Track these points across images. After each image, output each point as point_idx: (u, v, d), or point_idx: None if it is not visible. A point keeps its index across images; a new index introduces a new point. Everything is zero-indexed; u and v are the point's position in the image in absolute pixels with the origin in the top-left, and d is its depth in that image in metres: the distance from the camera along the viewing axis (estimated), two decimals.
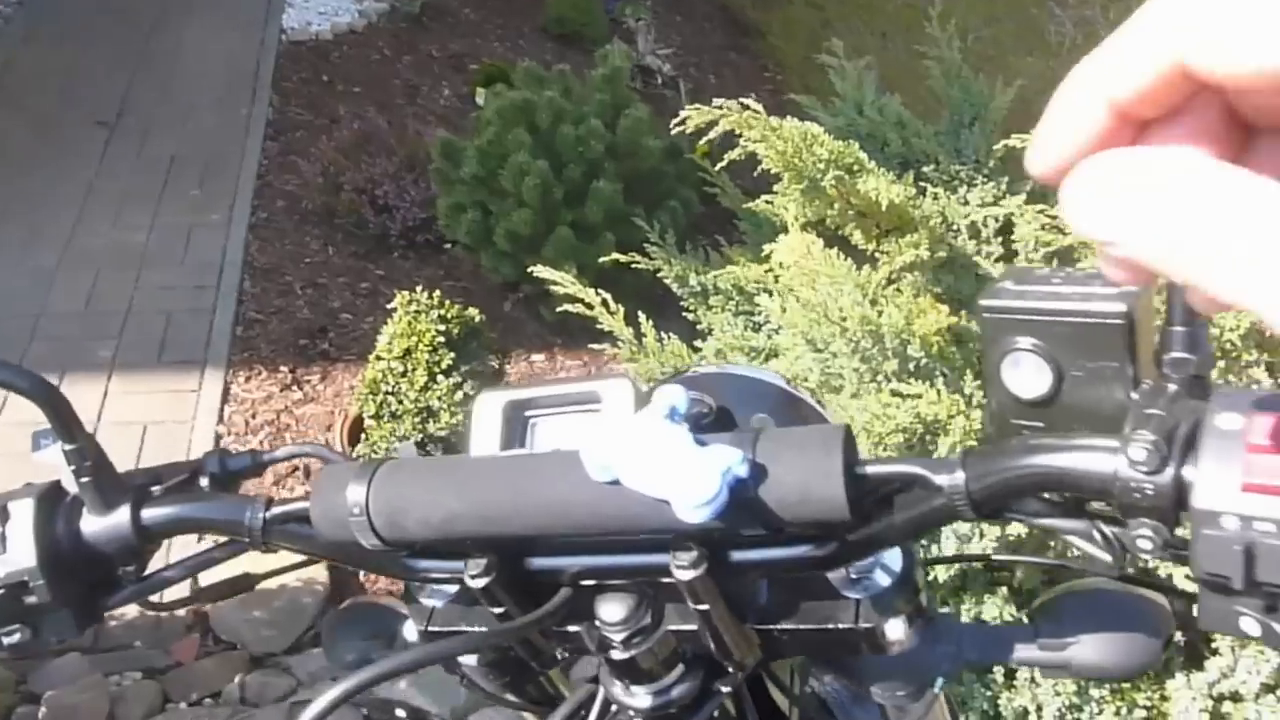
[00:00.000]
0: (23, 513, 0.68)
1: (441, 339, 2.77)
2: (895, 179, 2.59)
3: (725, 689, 0.67)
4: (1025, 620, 0.70)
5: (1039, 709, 2.09)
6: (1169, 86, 0.28)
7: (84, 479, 0.68)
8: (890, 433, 1.99)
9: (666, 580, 0.59)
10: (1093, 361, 0.50)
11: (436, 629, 0.69)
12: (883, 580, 0.63)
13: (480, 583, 0.60)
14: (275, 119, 4.53)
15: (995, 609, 2.08)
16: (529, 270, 2.85)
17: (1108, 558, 0.50)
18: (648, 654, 0.64)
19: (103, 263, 3.78)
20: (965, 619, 1.88)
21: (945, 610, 1.84)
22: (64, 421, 0.67)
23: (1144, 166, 0.28)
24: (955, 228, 2.73)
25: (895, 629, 0.62)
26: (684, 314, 2.86)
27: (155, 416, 3.20)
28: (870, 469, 0.55)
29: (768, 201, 2.74)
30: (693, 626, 0.62)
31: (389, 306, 2.88)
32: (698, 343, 2.82)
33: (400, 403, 2.81)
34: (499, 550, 0.61)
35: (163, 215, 4.01)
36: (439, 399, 2.79)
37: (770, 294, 2.68)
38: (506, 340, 3.34)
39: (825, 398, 2.64)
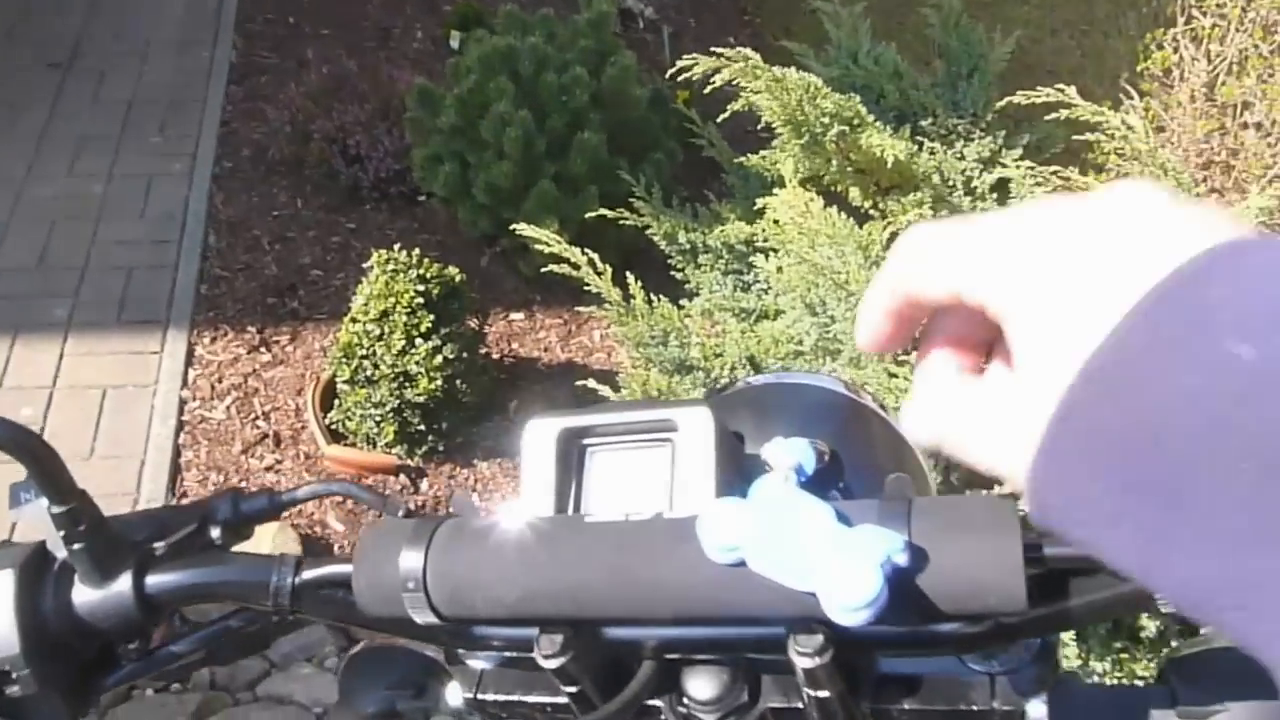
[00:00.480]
0: (1, 587, 0.57)
1: (420, 300, 2.63)
2: (893, 133, 2.48)
3: None
4: (1156, 678, 0.61)
5: None
6: (913, 304, 0.40)
7: (76, 545, 0.57)
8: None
9: (767, 655, 0.54)
10: None
11: (486, 696, 0.61)
12: (1021, 653, 0.55)
13: (554, 664, 0.52)
14: (239, 62, 4.32)
15: None
16: (508, 225, 2.72)
17: None
18: None
19: (57, 215, 3.59)
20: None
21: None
22: (52, 480, 0.57)
23: (928, 399, 0.41)
24: (951, 183, 2.62)
25: (1038, 710, 0.54)
26: (668, 271, 2.75)
27: (115, 380, 3.04)
28: (1050, 550, 0.47)
29: (763, 156, 2.62)
30: (796, 705, 0.55)
31: (365, 266, 2.74)
32: (683, 302, 2.72)
33: (376, 368, 2.68)
34: (576, 624, 0.53)
35: (121, 164, 3.81)
36: (417, 363, 2.66)
37: (766, 254, 2.57)
38: (484, 298, 3.21)
39: (822, 363, 2.55)
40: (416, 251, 2.69)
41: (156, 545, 0.61)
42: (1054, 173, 2.23)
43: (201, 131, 3.94)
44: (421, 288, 2.64)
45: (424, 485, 2.87)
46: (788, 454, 0.53)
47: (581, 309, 3.17)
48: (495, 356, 3.17)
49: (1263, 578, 0.29)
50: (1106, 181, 2.58)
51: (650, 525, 0.52)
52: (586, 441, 0.60)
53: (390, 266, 2.63)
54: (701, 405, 0.58)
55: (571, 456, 0.60)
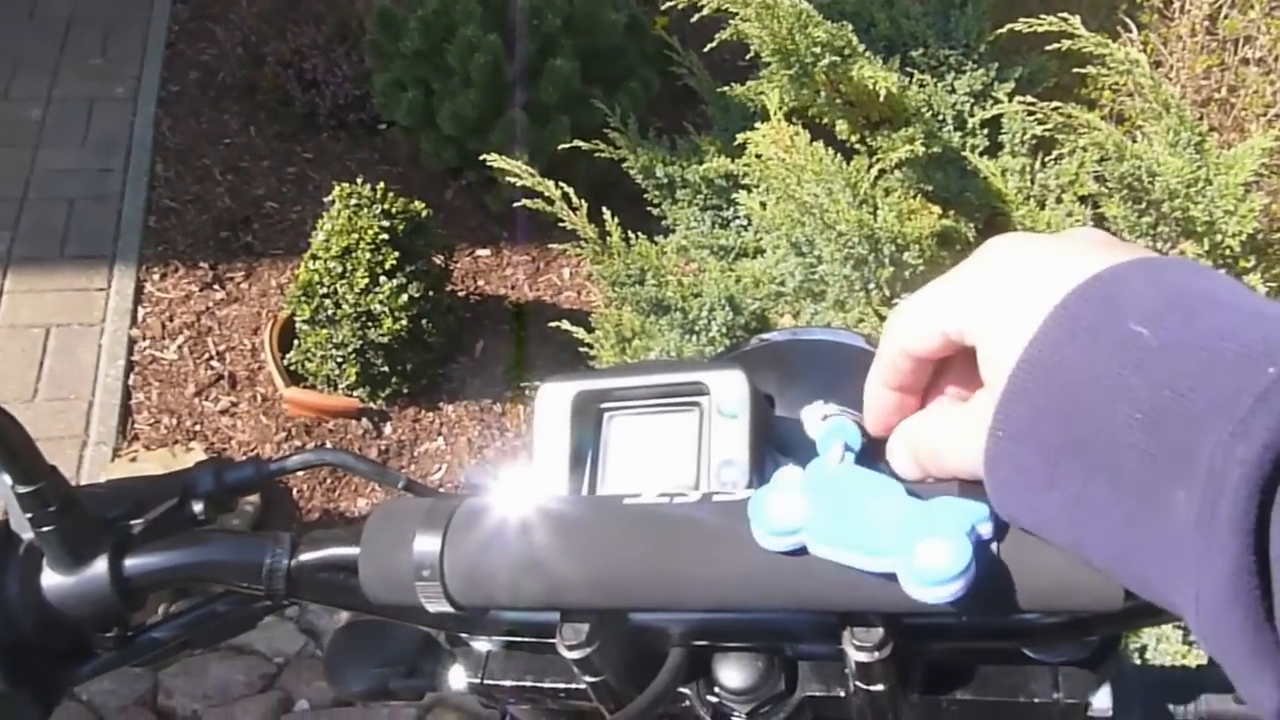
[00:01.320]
0: None
1: (385, 236, 2.50)
2: (883, 64, 2.36)
3: None
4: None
5: None
6: (915, 363, 0.45)
7: (45, 528, 0.52)
8: None
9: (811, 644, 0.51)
10: None
11: (494, 681, 0.58)
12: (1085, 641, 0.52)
13: (579, 654, 0.48)
14: None
15: None
16: (474, 156, 2.58)
17: None
18: None
19: None
20: None
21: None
22: (15, 457, 0.51)
23: (906, 424, 0.46)
24: (941, 118, 2.52)
25: (1103, 699, 0.51)
26: (640, 206, 2.63)
27: (59, 319, 2.89)
28: None
29: (747, 87, 2.49)
30: (838, 694, 0.52)
31: (325, 200, 2.59)
32: (657, 239, 2.61)
33: (338, 307, 2.55)
34: (604, 612, 0.49)
35: (60, 87, 3.60)
36: (381, 302, 2.54)
37: (749, 190, 2.46)
38: (448, 233, 3.07)
39: (803, 304, 2.46)
40: (381, 185, 2.54)
41: (134, 523, 0.56)
42: (1055, 109, 2.13)
43: (146, 53, 3.72)
44: (386, 223, 2.50)
45: (387, 429, 2.75)
46: (833, 433, 0.47)
47: (553, 246, 3.05)
48: (461, 294, 3.04)
49: (1163, 520, 0.32)
50: (1103, 116, 2.47)
51: (698, 509, 0.46)
52: (605, 406, 0.56)
53: (353, 201, 2.49)
54: (734, 367, 0.54)
55: (589, 422, 0.56)
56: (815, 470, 0.45)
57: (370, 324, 2.57)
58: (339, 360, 2.64)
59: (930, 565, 0.39)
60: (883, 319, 2.01)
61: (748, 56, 2.26)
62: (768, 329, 2.33)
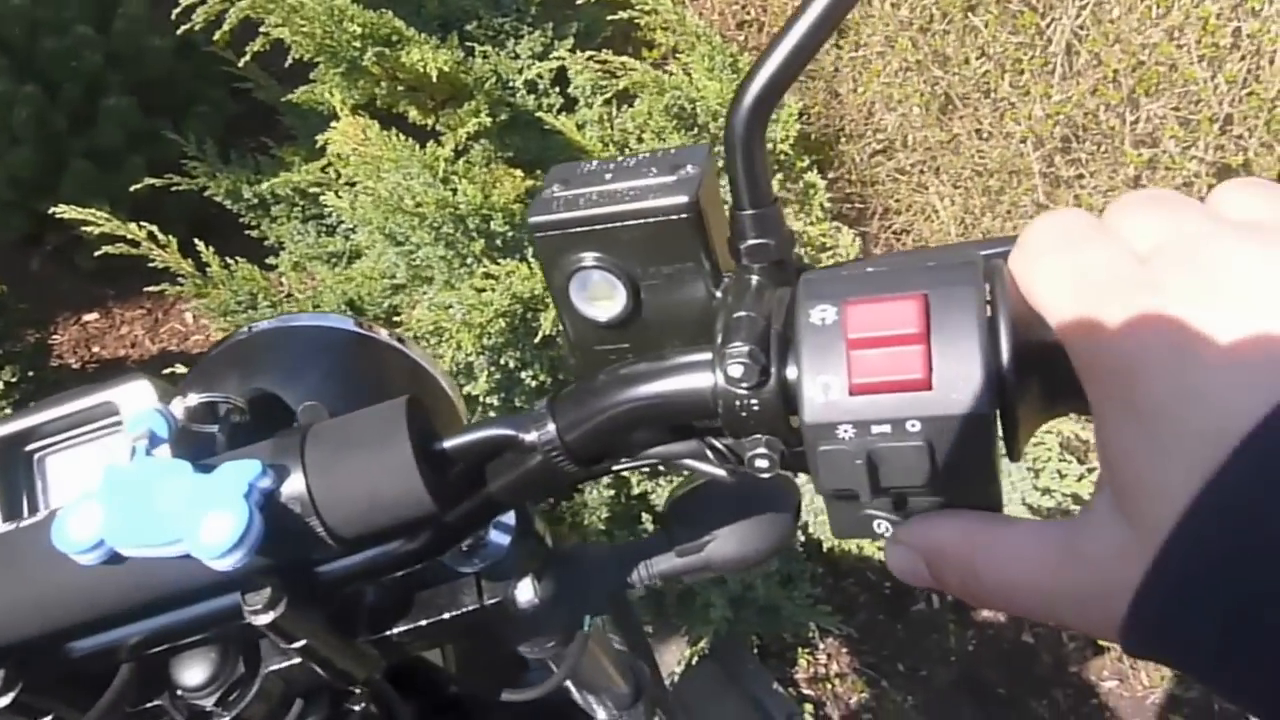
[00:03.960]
0: None
1: None
2: (439, 45, 2.41)
3: (360, 705, 0.58)
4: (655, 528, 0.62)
5: None
6: None
7: None
8: (490, 320, 1.87)
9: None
10: (667, 265, 0.43)
11: None
12: (500, 540, 0.56)
13: (3, 701, 0.47)
14: None
15: None
16: (50, 215, 2.40)
17: (724, 474, 0.45)
18: (252, 706, 0.54)
19: None
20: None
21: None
22: None
23: (931, 540, 0.37)
24: (511, 85, 2.60)
25: (525, 591, 0.55)
26: (247, 232, 2.57)
27: None
28: (449, 444, 0.46)
29: (306, 90, 2.47)
30: (296, 660, 0.53)
31: None
32: (270, 260, 2.56)
33: None
34: (20, 651, 0.47)
35: None
36: None
37: (337, 192, 2.45)
38: (43, 306, 2.85)
39: (418, 293, 2.48)
40: None
41: None
42: (589, 57, 2.25)
43: None
44: None
45: None
46: (134, 424, 0.48)
47: (152, 289, 2.90)
48: (75, 366, 2.84)
49: None
50: (662, 55, 2.62)
51: (21, 535, 0.46)
52: (32, 448, 0.55)
53: None
54: (139, 380, 0.54)
55: (17, 469, 0.54)
56: (110, 474, 0.45)
57: None
58: None
59: (213, 540, 0.41)
60: (480, 291, 2.06)
61: (286, 63, 2.23)
62: (396, 324, 2.33)
